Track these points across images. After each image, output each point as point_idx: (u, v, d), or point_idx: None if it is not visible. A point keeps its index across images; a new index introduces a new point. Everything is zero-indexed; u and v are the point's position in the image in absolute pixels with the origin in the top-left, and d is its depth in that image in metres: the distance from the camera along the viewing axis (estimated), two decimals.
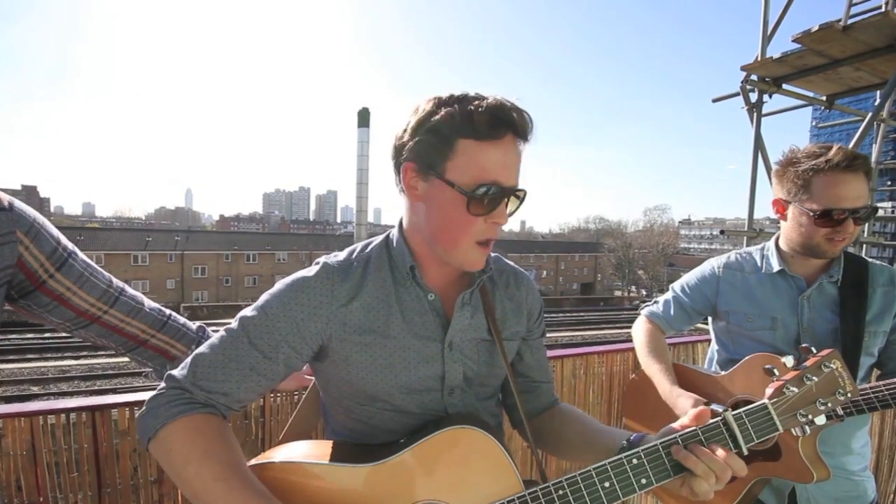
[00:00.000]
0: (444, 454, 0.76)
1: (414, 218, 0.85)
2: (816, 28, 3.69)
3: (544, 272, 50.63)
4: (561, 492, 0.73)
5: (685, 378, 1.42)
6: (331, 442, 0.86)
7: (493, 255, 0.98)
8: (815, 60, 4.15)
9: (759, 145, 4.52)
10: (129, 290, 1.02)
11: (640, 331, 1.52)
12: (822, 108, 4.92)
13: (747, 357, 1.28)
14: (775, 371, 0.84)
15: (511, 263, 1.03)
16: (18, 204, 0.85)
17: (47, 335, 17.28)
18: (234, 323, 0.82)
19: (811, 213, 1.20)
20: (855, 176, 1.17)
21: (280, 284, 0.84)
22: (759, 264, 1.39)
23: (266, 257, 39.52)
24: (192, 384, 0.77)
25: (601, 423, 0.93)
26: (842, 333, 1.24)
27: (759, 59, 4.30)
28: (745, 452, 0.77)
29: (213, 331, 0.96)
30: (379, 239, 0.92)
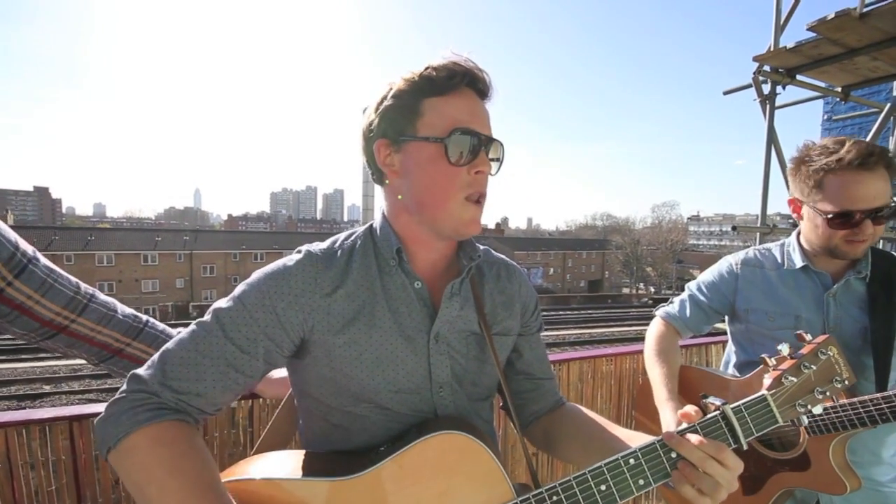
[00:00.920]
0: (429, 462, 0.71)
1: (395, 198, 0.82)
2: (832, 16, 3.55)
3: (551, 269, 50.42)
4: (555, 497, 0.70)
5: (697, 382, 1.34)
6: (306, 452, 0.80)
7: (482, 247, 0.94)
8: (830, 50, 4.00)
9: (771, 138, 4.38)
10: (101, 297, 0.96)
11: (651, 332, 1.44)
12: (839, 99, 4.77)
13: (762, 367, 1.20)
14: (772, 361, 0.81)
15: (501, 256, 0.98)
16: None
17: None
18: (206, 315, 0.76)
19: (825, 216, 1.14)
20: (871, 174, 1.09)
21: (258, 273, 0.79)
22: (780, 260, 1.31)
23: (273, 256, 39.67)
24: (160, 385, 0.70)
25: (616, 427, 0.86)
26: (872, 333, 1.15)
27: (771, 48, 4.16)
28: (745, 447, 0.73)
29: None
30: (363, 228, 0.88)
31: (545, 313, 23.64)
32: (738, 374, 1.33)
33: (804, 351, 0.80)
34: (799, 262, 1.26)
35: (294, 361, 0.82)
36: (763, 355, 0.82)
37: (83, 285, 0.94)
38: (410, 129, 0.76)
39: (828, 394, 0.78)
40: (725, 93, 4.79)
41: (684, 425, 0.74)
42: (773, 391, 0.77)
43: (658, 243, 55.17)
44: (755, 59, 4.19)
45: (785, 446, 1.22)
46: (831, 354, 0.80)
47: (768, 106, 4.36)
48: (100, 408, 1.14)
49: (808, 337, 0.81)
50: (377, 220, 0.87)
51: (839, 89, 4.74)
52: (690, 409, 0.75)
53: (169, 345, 0.74)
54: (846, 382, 0.79)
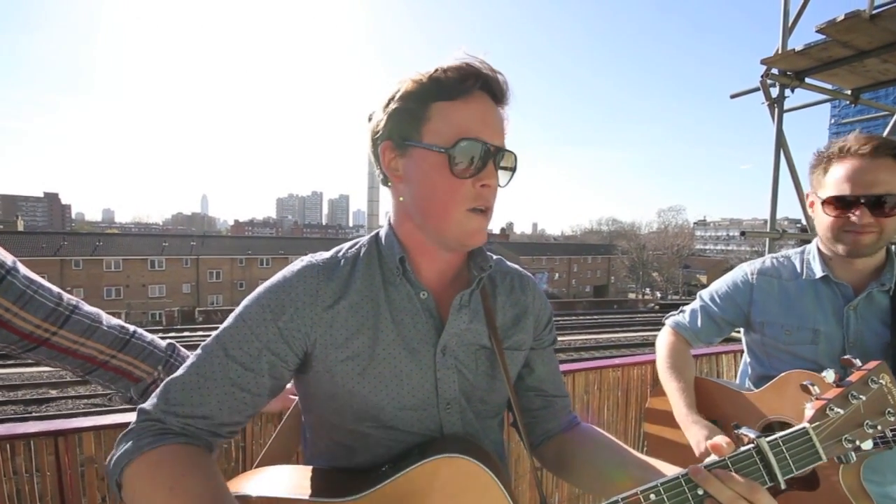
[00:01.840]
0: (429, 488, 0.67)
1: (400, 204, 0.78)
2: (842, 17, 3.50)
3: (556, 275, 50.19)
4: None
5: (710, 394, 1.28)
6: (309, 469, 0.77)
7: (495, 256, 0.90)
8: (839, 52, 3.94)
9: (780, 142, 4.31)
10: (85, 308, 0.92)
11: (662, 344, 1.38)
12: (848, 102, 4.69)
13: (783, 374, 1.14)
14: (814, 388, 0.73)
15: (515, 266, 0.93)
16: None
17: None
18: (210, 339, 0.73)
19: (822, 201, 1.13)
20: (874, 161, 1.06)
21: (259, 288, 0.76)
22: (798, 270, 1.25)
23: (279, 261, 39.84)
24: (164, 412, 0.68)
25: (641, 455, 0.80)
26: (894, 348, 1.09)
27: (779, 51, 4.10)
28: (783, 486, 0.65)
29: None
30: (368, 236, 0.84)
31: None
32: (752, 388, 1.27)
33: (852, 378, 0.72)
34: (819, 271, 1.20)
35: (299, 375, 0.79)
36: (805, 382, 0.74)
37: (66, 296, 0.91)
38: (416, 135, 0.72)
39: (879, 427, 0.70)
40: (733, 96, 4.73)
41: (712, 458, 0.67)
42: (817, 424, 0.69)
43: (664, 248, 54.78)
44: (763, 62, 4.14)
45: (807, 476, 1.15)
46: (884, 383, 0.72)
47: (777, 109, 4.29)
48: (86, 422, 1.13)
49: (858, 363, 0.74)
50: (383, 229, 0.83)
51: (849, 92, 4.67)
52: (721, 440, 0.67)
53: (174, 374, 0.72)
54: None
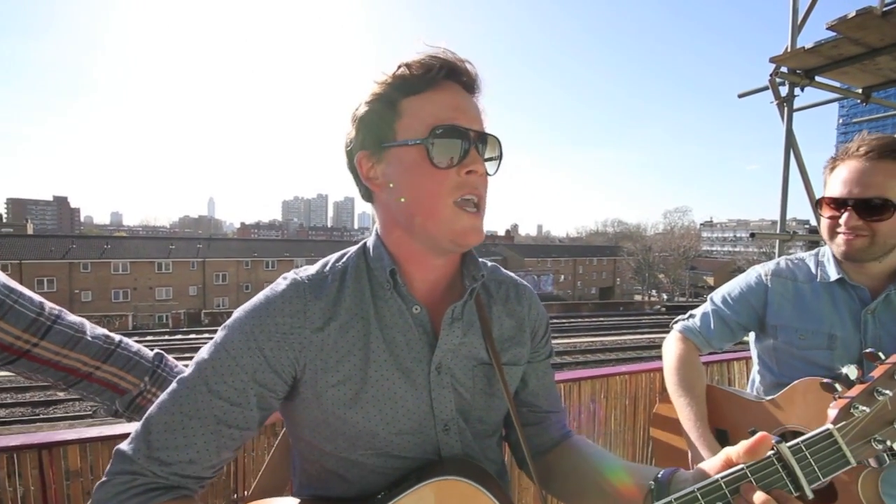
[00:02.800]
0: None
1: (385, 212, 0.74)
2: (853, 14, 3.42)
3: (562, 276, 49.99)
4: None
5: (719, 403, 1.22)
6: (299, 501, 0.73)
7: (489, 264, 0.85)
8: (850, 50, 3.86)
9: (790, 142, 4.22)
10: (68, 317, 0.88)
11: (670, 351, 1.30)
12: (859, 101, 4.60)
13: (798, 381, 1.09)
14: (836, 387, 0.67)
15: (511, 274, 0.88)
16: None
17: None
18: (189, 369, 0.68)
19: (816, 202, 1.13)
20: (872, 163, 1.03)
21: (240, 311, 0.70)
22: (813, 272, 1.20)
23: (285, 264, 40.00)
24: (147, 458, 0.63)
25: (624, 461, 0.77)
26: None
27: (788, 49, 4.03)
28: (810, 496, 0.59)
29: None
30: (355, 248, 0.79)
31: (555, 321, 23.30)
32: (763, 397, 1.22)
33: (876, 373, 0.67)
34: (834, 274, 1.15)
35: (286, 402, 0.74)
36: (826, 381, 0.69)
37: (48, 305, 0.87)
38: (390, 135, 0.68)
39: None
40: (741, 95, 4.65)
41: (728, 471, 0.59)
42: (842, 424, 0.63)
43: (670, 250, 54.40)
44: (772, 60, 4.06)
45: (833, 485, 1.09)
46: None
47: (786, 109, 4.21)
48: (71, 434, 1.09)
49: (882, 356, 0.68)
50: (370, 238, 0.78)
51: (860, 90, 4.58)
52: (732, 451, 0.60)
53: (152, 410, 0.66)
54: None
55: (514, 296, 0.84)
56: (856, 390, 0.66)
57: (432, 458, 0.73)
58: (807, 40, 4.00)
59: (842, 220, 1.06)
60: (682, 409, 1.16)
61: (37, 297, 0.86)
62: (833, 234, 1.10)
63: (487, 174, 0.72)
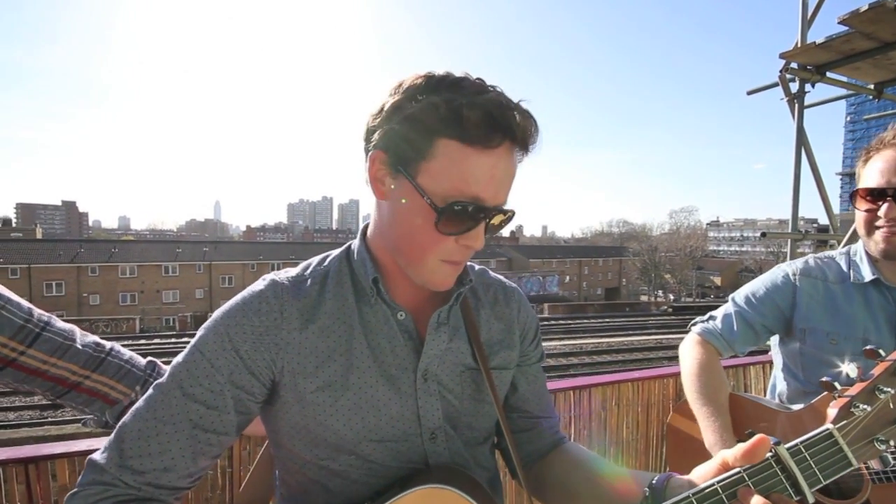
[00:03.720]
0: None
1: (379, 218, 0.70)
2: (865, 7, 3.34)
3: (567, 277, 49.78)
4: None
5: (746, 413, 1.14)
6: None
7: (476, 267, 0.83)
8: (863, 44, 3.78)
9: (801, 139, 4.14)
10: (57, 324, 0.85)
11: (689, 356, 1.21)
12: (872, 97, 4.51)
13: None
14: (836, 385, 0.65)
15: (499, 277, 0.86)
16: None
17: None
18: (165, 375, 0.66)
19: (850, 194, 1.05)
20: None
21: (216, 313, 0.68)
22: (845, 272, 1.12)
23: (290, 266, 39.98)
24: (119, 467, 0.60)
25: (618, 467, 0.74)
26: None
27: (799, 44, 3.95)
28: (811, 500, 0.56)
29: None
30: (339, 251, 0.76)
31: (561, 322, 23.16)
32: (789, 406, 1.15)
33: (876, 371, 0.64)
34: (868, 274, 1.08)
35: (265, 407, 0.71)
36: (825, 378, 0.66)
37: (37, 311, 0.83)
38: (411, 167, 0.62)
39: None
40: (749, 92, 4.57)
41: (724, 475, 0.56)
42: (842, 424, 0.61)
43: (676, 250, 54.04)
44: (782, 55, 3.98)
45: (844, 493, 1.03)
46: None
47: (797, 105, 4.13)
48: (59, 447, 1.05)
49: (882, 353, 0.65)
50: (356, 241, 0.76)
51: (871, 86, 4.48)
52: (729, 454, 0.57)
53: (126, 418, 0.63)
54: None
55: (503, 298, 0.83)
56: (856, 388, 0.63)
57: (419, 467, 0.71)
58: (817, 35, 3.93)
59: (881, 212, 0.99)
60: (704, 420, 1.08)
61: (25, 303, 0.83)
62: (871, 228, 1.03)
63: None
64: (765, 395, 1.36)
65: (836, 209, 4.69)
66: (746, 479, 0.55)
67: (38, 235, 54.02)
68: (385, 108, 0.64)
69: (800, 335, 1.14)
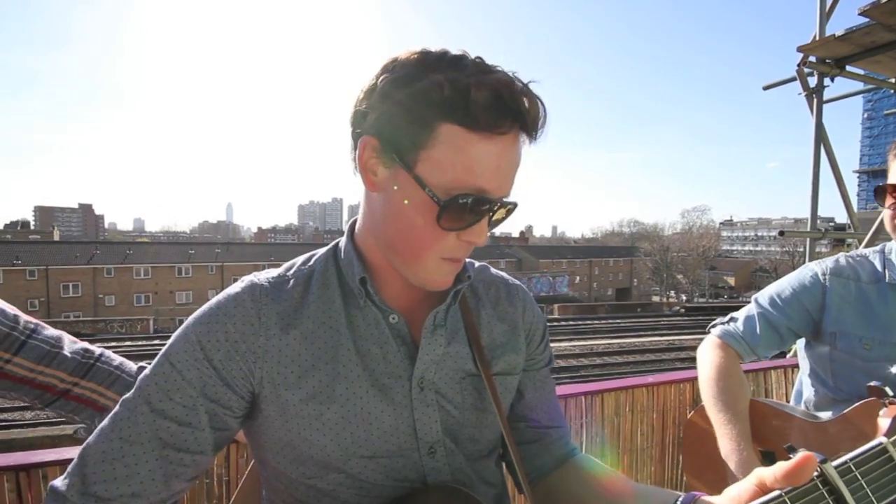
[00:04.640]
0: None
1: (368, 211, 0.64)
2: None
3: (577, 278, 49.40)
4: None
5: (768, 422, 1.07)
6: None
7: (477, 264, 0.76)
8: (884, 36, 3.65)
9: (820, 135, 4.02)
10: (45, 331, 0.82)
11: (707, 359, 1.13)
12: (894, 92, 4.37)
13: (866, 401, 0.95)
14: (888, 391, 0.60)
15: (502, 274, 0.79)
16: None
17: (97, 345, 18.06)
18: (132, 390, 0.60)
19: (875, 190, 0.99)
20: None
21: (189, 319, 0.62)
22: (880, 271, 1.05)
23: None
24: (81, 495, 0.54)
25: (636, 484, 0.68)
26: None
27: (817, 37, 3.84)
28: None
29: None
30: (325, 249, 0.71)
31: (572, 322, 22.93)
32: (817, 415, 1.08)
33: None
34: None
35: (246, 422, 0.66)
36: (874, 383, 0.60)
37: (24, 318, 0.80)
38: (409, 155, 0.56)
39: None
40: (766, 87, 4.46)
41: (762, 499, 0.49)
42: None
43: (689, 250, 53.27)
44: (800, 49, 3.87)
45: None
46: None
47: (815, 100, 4.01)
48: (51, 455, 1.02)
49: (889, 391, 0.61)
50: (343, 239, 0.70)
51: (893, 80, 4.34)
52: (767, 472, 0.49)
53: (90, 438, 0.58)
54: None
55: (506, 297, 0.76)
56: None
57: (416, 485, 0.64)
58: (835, 29, 3.81)
59: None
60: (722, 427, 1.01)
61: (10, 310, 0.80)
62: None
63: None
64: (786, 401, 1.29)
65: (854, 207, 4.55)
66: (787, 502, 0.48)
67: (56, 237, 55.16)
68: (377, 88, 0.57)
69: (829, 339, 1.06)
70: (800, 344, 1.18)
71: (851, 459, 0.51)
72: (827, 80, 4.02)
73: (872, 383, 0.61)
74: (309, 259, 0.70)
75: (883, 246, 1.09)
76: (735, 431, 0.98)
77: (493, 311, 0.74)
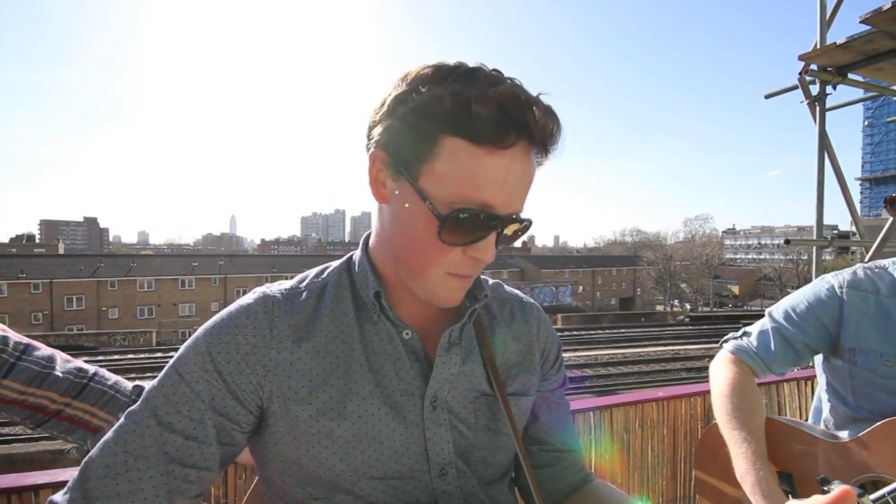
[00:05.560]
0: None
1: (380, 226, 0.63)
2: (889, 6, 3.23)
3: (580, 287, 49.19)
4: None
5: (784, 440, 1.03)
6: None
7: (490, 281, 0.74)
8: (886, 44, 3.65)
9: (823, 143, 4.00)
10: (36, 351, 0.80)
11: (721, 376, 1.09)
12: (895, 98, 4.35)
13: (890, 420, 0.90)
14: None
15: (516, 291, 0.78)
16: None
17: (100, 358, 18.07)
18: (138, 402, 0.58)
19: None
20: None
21: (199, 329, 0.61)
22: None
23: None
24: None
25: None
26: None
27: (818, 45, 3.84)
28: None
29: None
30: (339, 262, 0.69)
31: (575, 332, 22.76)
32: (837, 434, 1.03)
33: None
34: None
35: (252, 438, 0.64)
36: None
37: (14, 339, 0.78)
38: (413, 167, 0.55)
39: None
40: (767, 96, 4.46)
41: None
42: None
43: (692, 258, 53.06)
44: (801, 57, 3.87)
45: None
46: None
47: (818, 108, 4.00)
48: (43, 477, 0.99)
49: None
50: (357, 252, 0.69)
51: (895, 87, 4.33)
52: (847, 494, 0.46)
53: (92, 452, 0.56)
54: None
55: (521, 315, 0.75)
56: None
57: None
58: (836, 36, 3.81)
59: None
60: (736, 447, 0.96)
61: (1, 332, 0.78)
62: None
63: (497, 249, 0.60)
64: (800, 416, 1.25)
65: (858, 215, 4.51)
66: None
67: (61, 251, 55.46)
68: (387, 102, 0.58)
69: (848, 356, 1.01)
70: (817, 360, 1.14)
71: (890, 493, 0.49)
72: (829, 88, 4.01)
73: None
74: (322, 271, 0.68)
75: None
76: (751, 451, 0.93)
77: (507, 329, 0.72)
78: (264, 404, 0.59)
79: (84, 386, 0.82)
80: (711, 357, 1.18)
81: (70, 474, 0.97)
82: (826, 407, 1.11)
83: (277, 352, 0.59)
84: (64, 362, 0.83)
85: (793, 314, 1.08)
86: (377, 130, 0.58)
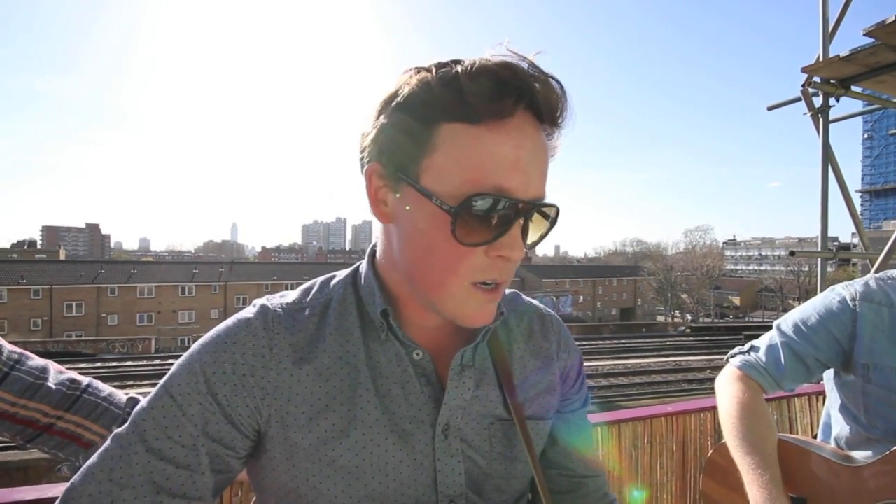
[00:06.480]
0: None
1: (387, 243, 0.58)
2: (892, 19, 3.24)
3: (581, 297, 49.05)
4: None
5: (797, 463, 0.98)
6: None
7: (507, 292, 0.69)
8: (889, 57, 3.66)
9: (827, 155, 3.99)
10: (29, 362, 0.77)
11: (728, 395, 1.04)
12: None
13: None
14: None
15: (535, 303, 0.72)
16: None
17: (98, 364, 17.96)
18: (126, 424, 0.54)
19: None
20: None
21: (194, 346, 0.57)
22: None
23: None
24: None
25: None
26: None
27: (820, 58, 3.85)
28: None
29: None
30: (344, 274, 0.64)
31: (576, 343, 22.54)
32: (851, 455, 0.99)
33: None
34: None
35: (251, 462, 0.60)
36: None
37: (7, 349, 0.76)
38: (412, 167, 0.50)
39: None
40: (770, 108, 4.46)
41: None
42: None
43: (693, 269, 52.97)
44: (804, 70, 3.88)
45: None
46: None
47: (821, 120, 4.00)
48: (31, 493, 0.95)
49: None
50: (363, 264, 0.63)
51: None
52: None
53: (75, 478, 0.52)
54: None
55: (540, 330, 0.69)
56: None
57: None
58: (839, 49, 3.83)
59: None
60: (750, 473, 0.91)
61: None
62: None
63: (526, 247, 0.53)
64: (811, 433, 1.21)
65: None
66: None
67: (62, 257, 55.52)
68: (372, 110, 0.54)
69: (862, 371, 0.97)
70: (827, 375, 1.09)
71: None
72: (832, 100, 4.02)
73: None
74: (327, 284, 0.64)
75: None
76: (766, 478, 0.89)
77: (525, 346, 0.67)
78: (262, 428, 0.55)
79: (77, 398, 0.80)
80: (714, 369, 1.14)
81: (58, 490, 0.94)
82: (837, 425, 1.07)
83: (277, 373, 0.55)
84: (57, 374, 0.80)
85: (803, 328, 1.03)
86: (367, 143, 0.54)
